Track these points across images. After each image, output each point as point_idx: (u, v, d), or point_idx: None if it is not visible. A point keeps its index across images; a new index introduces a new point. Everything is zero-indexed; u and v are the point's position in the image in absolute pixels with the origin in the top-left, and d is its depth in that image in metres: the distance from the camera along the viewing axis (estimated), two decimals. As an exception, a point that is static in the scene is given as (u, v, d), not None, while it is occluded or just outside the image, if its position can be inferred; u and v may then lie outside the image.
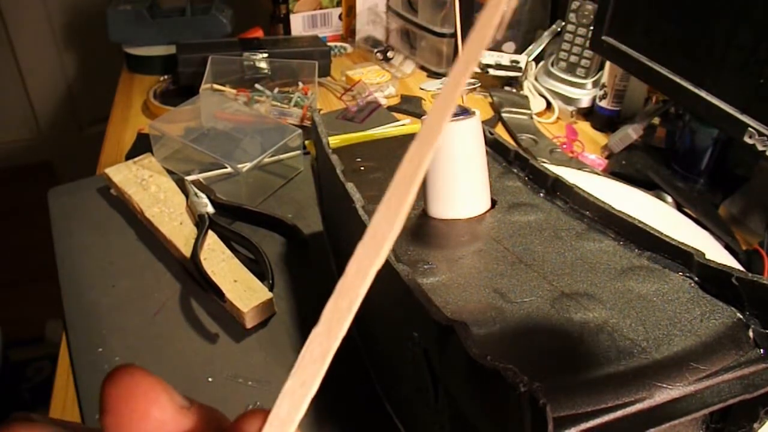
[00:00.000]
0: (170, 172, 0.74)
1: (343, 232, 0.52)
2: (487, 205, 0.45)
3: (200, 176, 0.75)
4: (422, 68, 1.15)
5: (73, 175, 0.80)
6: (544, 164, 0.49)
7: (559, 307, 0.34)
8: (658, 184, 0.75)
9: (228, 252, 0.62)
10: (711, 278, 0.34)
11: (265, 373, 0.51)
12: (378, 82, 1.06)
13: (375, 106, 0.97)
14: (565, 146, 0.88)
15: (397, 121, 0.93)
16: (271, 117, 0.88)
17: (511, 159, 0.51)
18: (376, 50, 1.17)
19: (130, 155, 0.83)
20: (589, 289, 0.35)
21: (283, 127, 0.79)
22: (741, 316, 0.32)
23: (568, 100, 0.97)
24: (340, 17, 1.27)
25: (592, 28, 0.88)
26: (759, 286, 0.31)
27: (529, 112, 0.96)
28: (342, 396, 0.49)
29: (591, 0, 0.91)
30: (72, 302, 0.59)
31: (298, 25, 1.24)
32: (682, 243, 0.37)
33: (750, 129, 0.61)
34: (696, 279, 0.35)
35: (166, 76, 1.09)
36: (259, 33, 1.16)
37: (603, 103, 0.91)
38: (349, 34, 1.27)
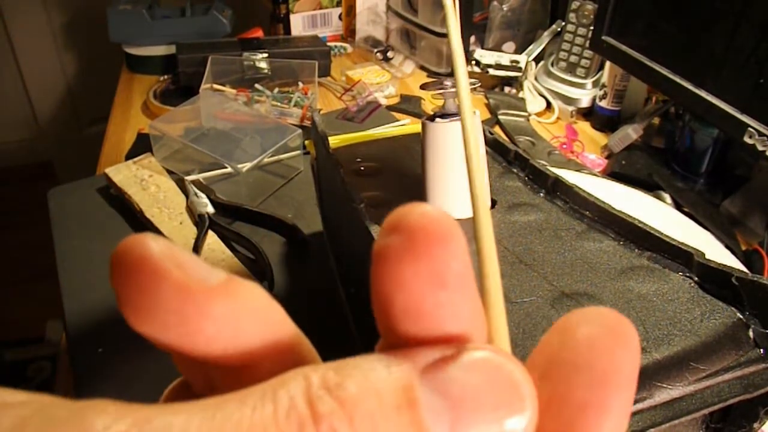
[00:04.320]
0: (170, 172, 0.74)
1: (343, 232, 0.52)
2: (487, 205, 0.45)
3: (200, 176, 0.75)
4: (422, 68, 1.15)
5: (73, 175, 0.80)
6: (544, 165, 0.49)
7: (559, 307, 0.34)
8: (658, 184, 0.75)
9: (228, 252, 0.62)
10: (711, 278, 0.34)
11: (265, 373, 0.51)
12: (378, 82, 1.06)
13: (375, 106, 0.97)
14: (564, 147, 0.88)
15: (397, 121, 0.93)
16: (271, 117, 0.88)
17: (510, 159, 0.51)
18: (376, 50, 1.17)
19: (130, 155, 0.83)
20: (589, 289, 0.35)
21: (283, 127, 0.79)
22: (741, 316, 0.32)
23: (568, 100, 0.97)
24: (340, 17, 1.27)
25: (592, 28, 0.88)
26: (759, 286, 0.31)
27: (525, 114, 0.96)
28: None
29: (591, 0, 0.91)
30: (72, 302, 0.59)
31: (298, 25, 1.24)
32: (682, 243, 0.37)
33: (750, 129, 0.61)
34: (696, 279, 0.35)
35: (166, 76, 1.09)
36: (259, 33, 1.16)
37: (603, 103, 0.91)
38: (349, 34, 1.27)
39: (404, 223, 0.11)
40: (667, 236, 0.37)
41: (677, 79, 0.70)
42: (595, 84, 0.95)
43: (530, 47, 1.07)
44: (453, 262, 0.11)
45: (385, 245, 0.11)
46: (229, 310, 0.12)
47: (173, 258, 0.11)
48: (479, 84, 1.05)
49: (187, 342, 0.12)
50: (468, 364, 0.11)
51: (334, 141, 0.62)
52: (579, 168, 0.81)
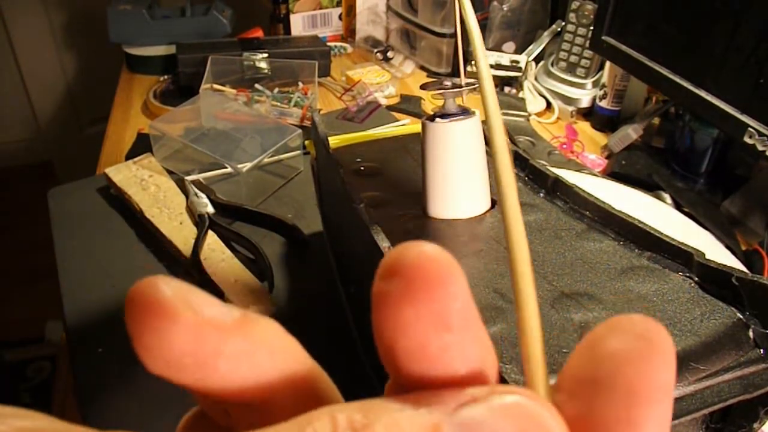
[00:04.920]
0: (170, 172, 0.74)
1: (343, 232, 0.52)
2: (487, 205, 0.45)
3: (200, 176, 0.75)
4: (422, 68, 1.15)
5: (73, 175, 0.80)
6: (544, 165, 0.49)
7: (559, 307, 0.34)
8: (658, 184, 0.75)
9: (228, 252, 0.62)
10: (711, 278, 0.34)
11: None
12: (378, 82, 1.06)
13: (375, 106, 0.97)
14: (564, 147, 0.88)
15: (397, 121, 0.93)
16: (271, 117, 0.88)
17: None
18: (376, 50, 1.17)
19: (130, 155, 0.83)
20: (589, 289, 0.35)
21: (283, 127, 0.79)
22: (741, 316, 0.32)
23: (568, 100, 0.97)
24: (340, 17, 1.27)
25: (592, 28, 0.88)
26: (759, 286, 0.31)
27: (525, 114, 0.96)
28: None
29: (591, 0, 0.91)
30: (72, 302, 0.59)
31: (298, 25, 1.24)
32: (682, 243, 0.37)
33: (750, 129, 0.61)
34: (696, 279, 0.35)
35: (166, 76, 1.09)
36: (259, 33, 1.16)
37: (603, 103, 0.91)
38: (349, 34, 1.27)
39: (401, 266, 0.11)
40: (667, 236, 0.37)
41: (677, 79, 0.70)
42: (595, 84, 0.95)
43: (530, 47, 1.07)
44: (454, 303, 0.11)
45: (384, 290, 0.11)
46: (244, 347, 0.12)
47: (186, 299, 0.11)
48: (479, 84, 1.05)
49: (203, 381, 0.12)
50: (499, 409, 0.10)
51: (334, 141, 0.62)
52: (579, 168, 0.81)
